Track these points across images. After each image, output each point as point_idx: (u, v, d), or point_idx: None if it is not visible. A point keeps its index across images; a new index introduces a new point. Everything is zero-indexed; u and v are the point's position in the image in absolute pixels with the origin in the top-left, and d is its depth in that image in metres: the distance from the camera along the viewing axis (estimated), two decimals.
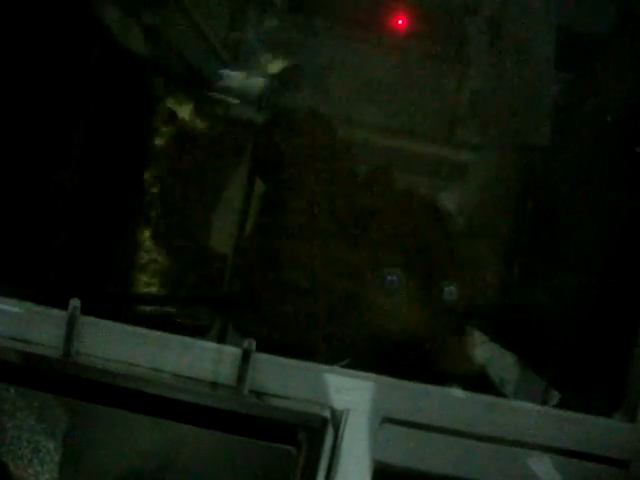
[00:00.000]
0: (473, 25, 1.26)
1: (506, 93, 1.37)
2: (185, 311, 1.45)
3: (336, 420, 1.21)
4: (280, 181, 1.38)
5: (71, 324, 1.18)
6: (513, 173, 1.40)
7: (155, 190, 1.41)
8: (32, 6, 1.32)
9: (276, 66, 1.38)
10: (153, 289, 1.44)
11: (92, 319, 1.22)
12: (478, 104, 1.38)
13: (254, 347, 1.17)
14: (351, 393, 1.21)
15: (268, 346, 1.22)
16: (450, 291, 1.20)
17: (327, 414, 1.20)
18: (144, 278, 1.44)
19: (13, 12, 1.30)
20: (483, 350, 1.28)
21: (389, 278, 1.20)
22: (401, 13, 1.37)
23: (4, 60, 1.31)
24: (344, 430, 1.21)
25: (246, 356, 1.17)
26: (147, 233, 1.43)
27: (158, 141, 1.40)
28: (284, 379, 1.21)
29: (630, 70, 1.29)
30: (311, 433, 1.19)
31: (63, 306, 1.20)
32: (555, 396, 1.28)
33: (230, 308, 1.42)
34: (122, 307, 1.43)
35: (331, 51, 1.33)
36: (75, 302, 1.19)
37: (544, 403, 1.26)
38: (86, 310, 1.21)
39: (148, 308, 1.45)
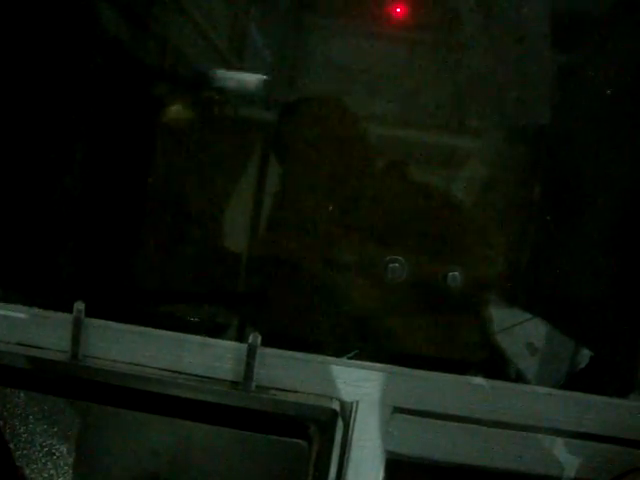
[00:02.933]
0: (465, 6, 1.24)
1: (505, 75, 1.35)
2: (200, 310, 1.44)
3: (346, 412, 1.20)
4: (289, 177, 1.37)
5: (77, 327, 1.19)
6: (517, 156, 1.37)
7: (163, 191, 1.41)
8: (32, 13, 1.32)
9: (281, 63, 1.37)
10: (166, 289, 1.44)
11: (98, 321, 1.22)
12: (479, 88, 1.36)
13: (259, 342, 1.17)
14: (360, 384, 1.20)
15: (278, 340, 1.22)
16: (454, 277, 1.18)
17: (336, 406, 1.19)
18: (156, 278, 1.44)
19: (15, 18, 1.31)
20: (492, 336, 1.26)
21: (391, 266, 1.19)
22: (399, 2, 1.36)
23: (7, 65, 1.32)
24: (354, 422, 1.21)
25: (251, 351, 1.17)
26: (156, 234, 1.43)
27: (164, 143, 1.40)
28: (291, 373, 1.21)
29: (632, 44, 1.27)
30: (321, 426, 1.19)
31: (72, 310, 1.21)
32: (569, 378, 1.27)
33: (244, 305, 1.41)
34: (134, 309, 1.43)
35: (335, 45, 1.32)
36: (79, 305, 1.19)
37: (557, 387, 1.24)
38: (97, 313, 1.22)
39: (162, 309, 1.45)
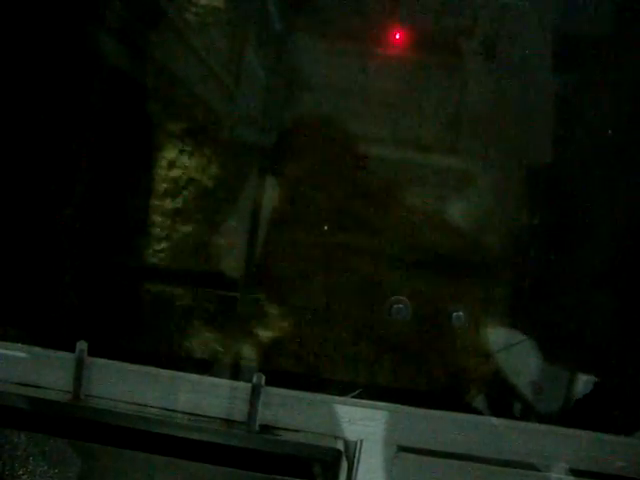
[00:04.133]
0: (468, 46, 1.25)
1: (505, 108, 1.36)
2: (195, 338, 1.43)
3: (350, 451, 1.20)
4: (286, 202, 1.37)
5: (79, 367, 1.18)
6: (518, 186, 1.38)
7: (161, 221, 1.41)
8: (29, 39, 1.32)
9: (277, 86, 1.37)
10: (162, 317, 1.43)
11: (100, 360, 1.21)
12: (478, 118, 1.37)
13: (263, 382, 1.16)
14: (364, 423, 1.20)
15: (278, 378, 1.21)
16: (458, 316, 1.18)
17: (340, 446, 1.18)
18: (152, 305, 1.43)
19: (14, 44, 1.31)
20: (495, 373, 1.26)
21: (395, 307, 1.19)
22: (398, 30, 1.36)
23: (5, 92, 1.32)
24: (358, 461, 1.20)
25: (256, 391, 1.16)
26: (154, 262, 1.43)
27: (163, 169, 1.40)
28: (295, 412, 1.20)
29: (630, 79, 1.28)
30: (325, 466, 1.18)
31: (71, 349, 1.20)
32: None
33: (240, 333, 1.41)
34: (133, 340, 1.42)
35: (332, 67, 1.33)
36: (82, 345, 1.18)
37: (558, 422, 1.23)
38: (95, 351, 1.21)
39: (159, 337, 1.44)
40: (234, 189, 1.40)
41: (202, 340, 1.42)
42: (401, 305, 1.17)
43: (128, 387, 1.20)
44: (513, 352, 1.28)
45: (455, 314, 1.17)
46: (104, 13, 1.36)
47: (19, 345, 1.23)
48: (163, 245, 1.41)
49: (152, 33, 1.38)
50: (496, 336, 1.29)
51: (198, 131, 1.39)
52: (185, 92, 1.40)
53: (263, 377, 1.16)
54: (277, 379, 1.20)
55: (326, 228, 1.31)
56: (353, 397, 1.21)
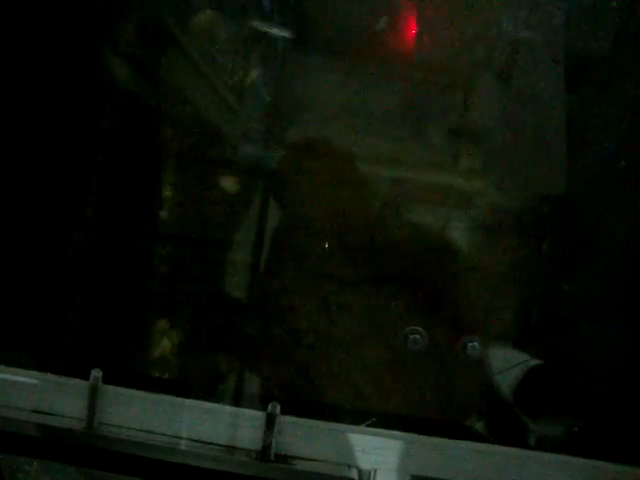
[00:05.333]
0: (482, 77, 1.26)
1: (516, 136, 1.37)
2: (201, 361, 1.43)
3: None
4: (291, 221, 1.37)
5: (93, 395, 1.18)
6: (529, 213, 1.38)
7: (169, 245, 1.41)
8: (37, 64, 1.33)
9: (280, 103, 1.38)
10: (168, 344, 1.43)
11: (114, 388, 1.21)
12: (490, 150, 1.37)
13: (279, 411, 1.16)
14: (378, 452, 1.19)
15: (289, 404, 1.21)
16: (473, 346, 1.18)
17: (354, 475, 1.18)
18: (159, 331, 1.42)
19: (20, 69, 1.32)
20: (508, 401, 1.26)
21: (411, 337, 1.19)
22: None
23: (15, 117, 1.33)
24: None
25: (271, 420, 1.16)
26: (161, 288, 1.43)
27: (170, 190, 1.40)
28: (309, 441, 1.19)
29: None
30: None
31: (83, 375, 1.20)
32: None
33: (247, 358, 1.40)
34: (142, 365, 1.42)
35: (334, 85, 1.33)
36: (97, 372, 1.18)
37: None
38: (107, 377, 1.21)
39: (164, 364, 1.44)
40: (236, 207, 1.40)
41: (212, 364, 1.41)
42: (417, 335, 1.17)
43: (143, 415, 1.20)
44: (524, 379, 1.28)
45: (470, 344, 1.18)
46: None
47: (32, 372, 1.22)
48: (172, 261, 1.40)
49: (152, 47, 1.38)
50: (507, 361, 1.29)
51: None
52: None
53: (278, 406, 1.16)
54: (290, 407, 1.20)
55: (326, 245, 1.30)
56: (367, 426, 1.21)
